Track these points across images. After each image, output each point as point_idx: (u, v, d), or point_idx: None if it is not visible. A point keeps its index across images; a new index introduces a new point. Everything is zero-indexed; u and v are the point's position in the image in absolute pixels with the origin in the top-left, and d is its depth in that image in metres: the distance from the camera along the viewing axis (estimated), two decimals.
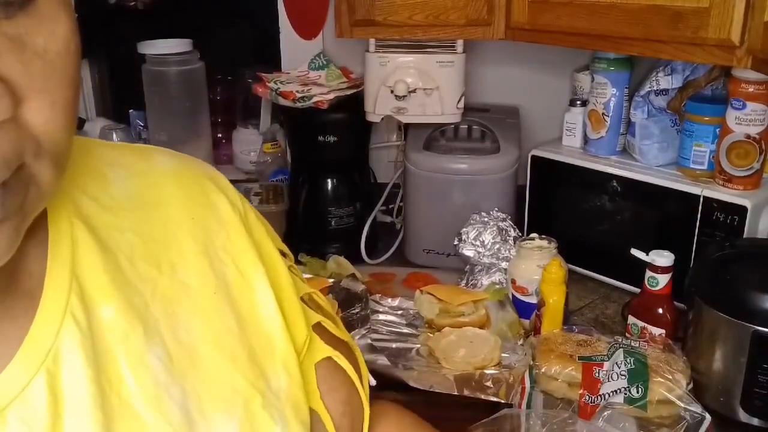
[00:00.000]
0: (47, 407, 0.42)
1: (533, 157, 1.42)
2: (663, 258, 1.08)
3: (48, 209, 0.46)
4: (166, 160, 0.57)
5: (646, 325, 1.12)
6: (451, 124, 1.47)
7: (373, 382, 0.69)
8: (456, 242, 1.33)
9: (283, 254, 0.65)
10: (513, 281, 1.24)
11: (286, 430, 0.53)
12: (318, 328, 0.63)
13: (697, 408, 0.96)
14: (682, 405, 0.96)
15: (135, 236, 0.50)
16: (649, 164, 1.31)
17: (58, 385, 0.43)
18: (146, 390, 0.46)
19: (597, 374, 0.99)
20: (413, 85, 1.38)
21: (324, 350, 0.62)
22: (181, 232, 0.53)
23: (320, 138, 1.45)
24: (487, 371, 1.09)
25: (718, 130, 1.21)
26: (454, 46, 1.38)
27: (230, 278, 0.54)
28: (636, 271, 1.13)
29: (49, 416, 0.42)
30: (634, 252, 1.11)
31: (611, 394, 0.97)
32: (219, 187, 0.57)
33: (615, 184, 1.31)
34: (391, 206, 1.66)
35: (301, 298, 0.63)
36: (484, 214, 1.34)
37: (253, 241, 0.56)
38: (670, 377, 0.98)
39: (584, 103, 1.40)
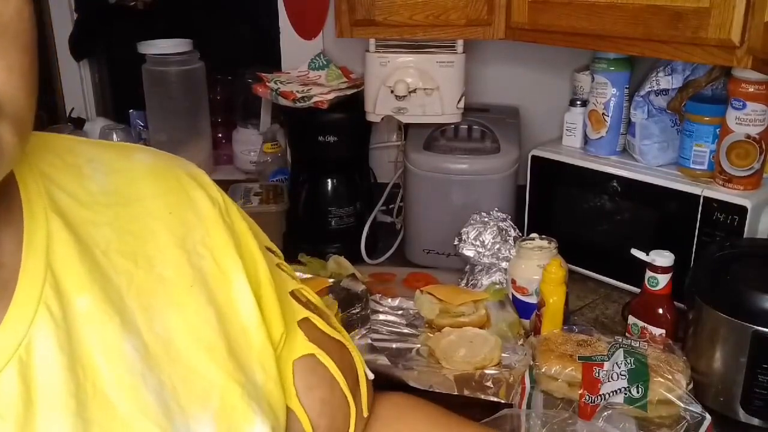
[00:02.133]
0: (18, 395, 0.42)
1: (533, 157, 1.42)
2: (663, 258, 1.08)
3: (24, 203, 0.47)
4: (146, 157, 0.57)
5: (646, 325, 1.12)
6: (451, 124, 1.47)
7: (371, 376, 0.69)
8: (456, 242, 1.33)
9: (272, 251, 0.65)
10: (513, 281, 1.24)
11: (266, 422, 0.54)
12: (305, 324, 0.63)
13: (697, 408, 0.96)
14: (682, 405, 0.96)
15: (111, 231, 0.51)
16: (649, 164, 1.31)
17: (30, 374, 0.43)
18: (121, 380, 0.47)
19: (597, 374, 0.99)
20: (413, 85, 1.38)
21: (305, 347, 0.61)
22: (159, 227, 0.53)
23: (320, 138, 1.45)
24: (487, 371, 1.09)
25: (718, 130, 1.21)
26: (454, 46, 1.38)
27: (208, 272, 0.54)
28: (636, 271, 1.13)
29: (21, 403, 0.42)
30: (634, 252, 1.11)
31: (611, 394, 0.97)
32: (199, 184, 0.58)
33: (615, 184, 1.31)
34: (391, 206, 1.66)
35: (292, 293, 0.64)
36: (484, 214, 1.33)
37: (232, 237, 0.57)
38: (670, 377, 0.98)
39: (584, 103, 1.40)
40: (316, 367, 0.62)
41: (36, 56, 0.41)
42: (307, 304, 0.65)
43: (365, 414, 0.67)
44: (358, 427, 0.65)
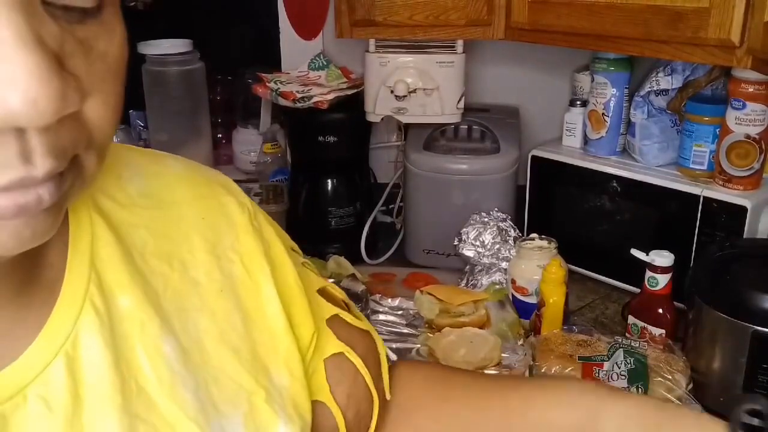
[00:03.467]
0: (66, 388, 0.44)
1: (533, 157, 1.42)
2: (663, 258, 1.08)
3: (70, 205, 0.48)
4: (177, 164, 0.59)
5: (646, 325, 1.12)
6: (451, 124, 1.47)
7: (393, 357, 0.71)
8: (456, 242, 1.33)
9: (295, 251, 0.67)
10: (513, 281, 1.24)
11: (289, 425, 0.55)
12: (334, 321, 0.65)
13: (697, 408, 0.96)
14: (682, 405, 0.96)
15: (147, 233, 0.52)
16: (649, 164, 1.31)
17: (77, 368, 0.45)
18: (162, 378, 0.48)
19: (597, 374, 0.99)
20: (413, 85, 1.38)
21: (336, 346, 0.64)
22: (192, 231, 0.55)
23: (320, 138, 1.45)
24: (487, 371, 1.09)
25: (718, 130, 1.21)
26: (454, 46, 1.38)
27: (237, 277, 0.56)
28: (636, 271, 1.13)
29: (69, 397, 0.44)
30: (634, 252, 1.11)
31: None
32: (229, 191, 0.60)
33: (615, 184, 1.31)
34: (391, 206, 1.66)
35: (320, 291, 0.65)
36: (484, 214, 1.34)
37: (261, 242, 0.58)
38: (670, 377, 0.98)
39: (584, 103, 1.40)
40: (342, 363, 0.64)
41: (125, 90, 0.42)
42: (335, 300, 0.67)
43: (388, 397, 0.69)
44: (380, 413, 0.67)
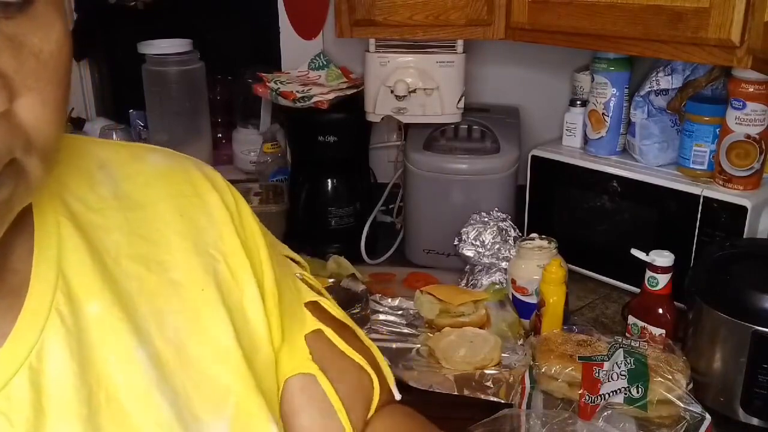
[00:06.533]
0: (29, 402, 0.42)
1: (533, 157, 1.42)
2: (663, 258, 1.08)
3: (35, 208, 0.47)
4: (159, 159, 0.57)
5: (646, 325, 1.12)
6: (451, 124, 1.47)
7: (398, 397, 0.68)
8: (456, 242, 1.33)
9: (295, 261, 0.65)
10: (513, 281, 1.24)
11: (279, 429, 0.53)
12: (314, 337, 0.62)
13: (697, 408, 0.96)
14: (682, 405, 0.96)
15: (122, 236, 0.50)
16: (649, 164, 1.31)
17: (41, 381, 0.43)
18: (134, 387, 0.46)
19: (597, 374, 0.99)
20: (413, 85, 1.38)
21: (309, 367, 0.61)
22: (170, 231, 0.53)
23: (320, 138, 1.45)
24: (487, 371, 1.09)
25: (718, 130, 1.21)
26: (454, 46, 1.38)
27: (221, 276, 0.54)
28: (636, 271, 1.13)
29: (31, 411, 0.42)
30: (634, 252, 1.11)
31: (611, 394, 0.97)
32: (214, 186, 0.57)
33: (615, 184, 1.31)
34: (391, 206, 1.66)
35: (311, 304, 0.63)
36: (484, 214, 1.34)
37: (243, 243, 0.56)
38: (670, 377, 0.98)
39: (584, 103, 1.40)
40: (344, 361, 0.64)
41: (69, 88, 0.40)
42: (324, 316, 0.64)
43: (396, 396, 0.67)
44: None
